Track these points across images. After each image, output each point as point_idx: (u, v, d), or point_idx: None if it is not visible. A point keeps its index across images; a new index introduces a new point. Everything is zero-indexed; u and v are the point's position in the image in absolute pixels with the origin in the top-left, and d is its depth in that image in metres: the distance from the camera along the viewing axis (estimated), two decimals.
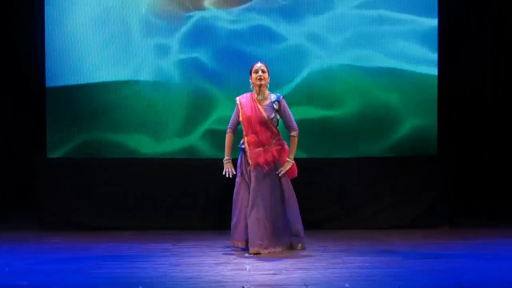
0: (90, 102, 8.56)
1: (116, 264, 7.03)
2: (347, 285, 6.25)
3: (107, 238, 8.16)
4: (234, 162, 7.64)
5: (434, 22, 8.54)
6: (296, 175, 7.66)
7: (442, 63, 8.75)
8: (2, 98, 9.66)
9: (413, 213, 8.59)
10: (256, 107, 7.56)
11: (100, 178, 8.59)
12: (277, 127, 7.60)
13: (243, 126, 7.59)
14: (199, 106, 8.59)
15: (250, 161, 7.52)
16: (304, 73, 8.56)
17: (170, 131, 8.61)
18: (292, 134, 7.61)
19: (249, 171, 7.53)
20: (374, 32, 8.54)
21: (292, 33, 8.54)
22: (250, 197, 7.48)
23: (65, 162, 8.59)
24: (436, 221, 8.57)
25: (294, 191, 7.60)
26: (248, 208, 7.48)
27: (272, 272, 6.74)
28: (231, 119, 7.69)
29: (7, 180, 9.75)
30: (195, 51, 8.55)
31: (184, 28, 8.54)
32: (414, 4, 8.54)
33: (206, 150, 8.60)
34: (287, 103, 7.62)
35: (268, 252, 7.46)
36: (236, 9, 8.53)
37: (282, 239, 7.61)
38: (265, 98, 7.60)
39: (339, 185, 8.61)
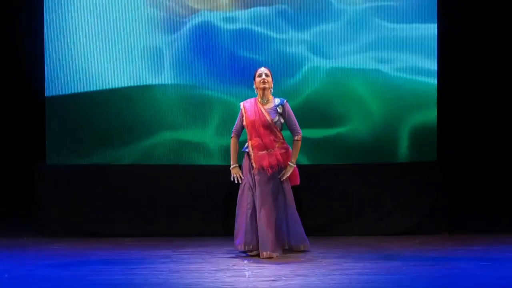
0: (89, 110, 8.57)
1: (116, 271, 7.03)
2: None
3: (106, 245, 8.17)
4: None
5: (433, 26, 8.52)
6: (298, 183, 7.68)
7: (442, 63, 8.72)
8: (3, 106, 9.70)
9: (413, 219, 8.59)
10: (260, 111, 7.57)
11: (100, 185, 8.60)
12: (281, 131, 7.62)
13: (247, 130, 7.61)
14: (200, 110, 8.59)
15: (254, 165, 7.54)
16: (303, 79, 8.56)
17: (170, 135, 8.62)
18: (295, 138, 7.62)
19: (253, 174, 7.55)
20: (374, 38, 8.57)
21: (292, 39, 8.54)
22: (257, 203, 7.50)
23: (65, 169, 8.60)
24: (435, 228, 8.57)
25: (294, 197, 7.65)
26: (251, 211, 7.50)
27: (271, 278, 6.74)
28: (235, 124, 7.71)
29: (8, 186, 9.77)
30: (194, 56, 8.56)
31: (183, 33, 8.54)
32: (412, 9, 8.54)
33: (203, 155, 8.59)
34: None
35: (277, 256, 7.49)
36: (235, 13, 8.55)
37: (288, 242, 7.68)
38: (268, 102, 7.62)
39: (340, 191, 8.61)
